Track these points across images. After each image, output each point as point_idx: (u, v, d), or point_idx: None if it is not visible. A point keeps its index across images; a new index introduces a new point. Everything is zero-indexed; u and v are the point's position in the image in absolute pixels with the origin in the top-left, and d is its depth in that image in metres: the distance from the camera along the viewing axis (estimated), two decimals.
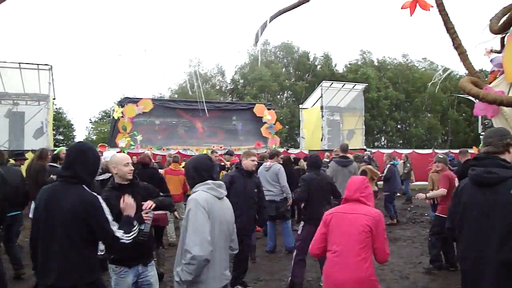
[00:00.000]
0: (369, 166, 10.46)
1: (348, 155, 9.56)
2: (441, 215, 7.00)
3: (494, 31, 3.56)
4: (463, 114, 44.16)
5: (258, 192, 6.23)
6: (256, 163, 6.25)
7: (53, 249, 2.97)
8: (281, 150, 18.07)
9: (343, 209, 3.69)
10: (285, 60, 47.60)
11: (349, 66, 46.62)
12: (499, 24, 3.57)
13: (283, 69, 44.63)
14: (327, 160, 12.42)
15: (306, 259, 6.39)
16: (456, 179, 7.11)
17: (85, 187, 3.09)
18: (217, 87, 46.61)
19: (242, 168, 6.22)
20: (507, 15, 3.40)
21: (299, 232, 6.54)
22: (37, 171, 7.80)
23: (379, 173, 11.20)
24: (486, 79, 4.45)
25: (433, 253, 7.12)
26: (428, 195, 7.30)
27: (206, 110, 16.78)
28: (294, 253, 6.43)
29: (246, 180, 6.08)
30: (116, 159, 3.99)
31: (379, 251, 3.53)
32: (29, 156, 12.52)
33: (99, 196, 3.12)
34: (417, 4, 4.34)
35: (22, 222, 7.35)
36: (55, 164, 8.33)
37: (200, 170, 3.30)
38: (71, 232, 2.96)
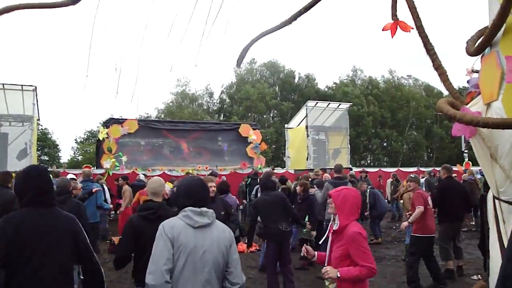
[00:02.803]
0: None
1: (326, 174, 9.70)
2: (416, 234, 7.17)
3: (470, 53, 3.63)
4: (447, 131, 44.76)
5: (226, 214, 6.01)
6: (214, 188, 6.04)
7: (46, 275, 2.95)
8: (266, 169, 18.11)
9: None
10: (271, 80, 47.96)
11: (333, 85, 47.25)
12: (475, 46, 3.64)
13: (270, 89, 44.90)
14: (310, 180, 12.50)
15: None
16: (429, 197, 7.36)
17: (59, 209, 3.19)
18: (205, 107, 46.72)
19: None
20: (482, 37, 3.48)
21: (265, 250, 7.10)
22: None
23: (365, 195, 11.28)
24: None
25: (409, 274, 7.10)
26: (409, 220, 7.28)
27: None
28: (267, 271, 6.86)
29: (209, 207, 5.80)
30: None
31: None
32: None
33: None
34: (398, 26, 4.43)
35: None
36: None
37: (183, 195, 3.14)
38: (64, 255, 3.04)
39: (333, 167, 9.86)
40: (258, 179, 13.02)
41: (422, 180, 16.32)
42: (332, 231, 3.73)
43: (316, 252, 3.87)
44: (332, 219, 3.79)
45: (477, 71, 4.21)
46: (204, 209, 3.06)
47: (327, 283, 3.51)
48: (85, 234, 3.23)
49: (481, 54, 3.67)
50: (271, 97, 43.49)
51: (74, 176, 9.42)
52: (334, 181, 8.73)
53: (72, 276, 3.27)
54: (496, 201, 3.37)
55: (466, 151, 22.70)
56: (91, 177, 9.85)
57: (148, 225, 3.70)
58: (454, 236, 8.20)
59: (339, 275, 3.40)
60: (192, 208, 3.01)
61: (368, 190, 11.74)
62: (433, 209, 7.53)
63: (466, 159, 21.41)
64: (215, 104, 48.01)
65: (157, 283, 2.75)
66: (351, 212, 3.64)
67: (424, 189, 13.01)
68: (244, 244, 10.86)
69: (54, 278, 2.98)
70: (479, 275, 7.46)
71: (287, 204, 6.86)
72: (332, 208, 3.71)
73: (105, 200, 10.48)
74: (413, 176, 8.02)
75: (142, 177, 13.99)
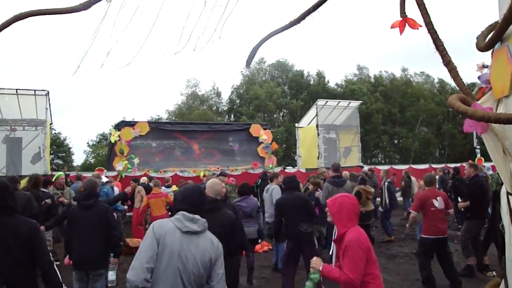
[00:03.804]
0: (362, 186, 10.48)
1: (346, 172, 9.72)
2: (423, 236, 7.17)
3: (480, 48, 3.62)
4: (458, 128, 44.37)
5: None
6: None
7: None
8: (278, 169, 18.11)
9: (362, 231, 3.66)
10: (280, 79, 47.96)
11: (341, 83, 47.21)
12: (485, 41, 3.63)
13: (279, 88, 44.89)
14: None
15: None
16: (438, 198, 7.09)
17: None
18: (214, 108, 46.86)
19: None
20: (492, 33, 3.47)
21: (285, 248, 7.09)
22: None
23: (373, 191, 11.23)
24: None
25: (423, 274, 7.03)
26: (407, 225, 7.71)
27: None
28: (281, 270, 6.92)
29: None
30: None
31: None
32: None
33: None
34: (406, 24, 4.41)
35: None
36: (45, 190, 8.40)
37: (179, 201, 3.21)
38: (16, 260, 3.30)
39: (346, 165, 9.86)
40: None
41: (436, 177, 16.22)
42: (333, 240, 3.73)
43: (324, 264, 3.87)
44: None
45: (487, 67, 4.20)
46: (197, 216, 3.07)
47: (311, 271, 3.55)
48: (43, 240, 3.56)
49: (492, 49, 3.66)
50: (279, 95, 43.45)
51: (107, 179, 9.53)
52: (333, 180, 8.71)
53: (32, 280, 3.47)
54: (510, 196, 3.37)
55: (478, 147, 22.50)
56: (102, 181, 9.91)
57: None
58: (479, 233, 8.14)
59: (321, 269, 3.47)
60: (184, 212, 3.05)
61: (385, 184, 11.70)
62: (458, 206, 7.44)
63: (479, 155, 21.23)
64: (225, 104, 48.15)
65: (136, 279, 2.77)
66: (349, 219, 3.59)
67: (437, 186, 12.89)
68: (263, 244, 10.95)
69: (9, 283, 3.24)
70: (494, 272, 7.41)
71: (308, 205, 6.83)
72: (329, 216, 3.71)
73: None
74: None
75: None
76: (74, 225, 5.46)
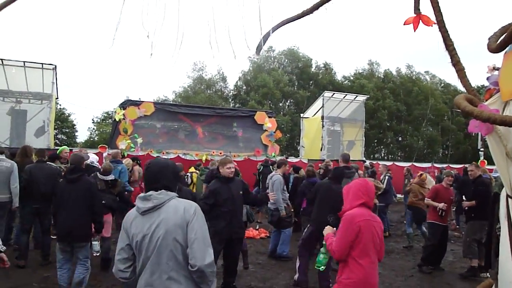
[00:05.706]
0: (372, 179, 10.54)
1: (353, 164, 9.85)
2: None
3: (492, 50, 3.59)
4: (463, 129, 44.15)
5: (245, 193, 6.24)
6: (233, 169, 6.17)
7: None
8: (280, 158, 18.10)
9: (368, 215, 3.78)
10: (289, 68, 47.67)
11: (349, 76, 46.95)
12: (497, 42, 3.61)
13: (286, 76, 44.65)
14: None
15: None
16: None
17: None
18: (219, 93, 46.71)
19: (221, 176, 6.09)
20: (505, 34, 3.45)
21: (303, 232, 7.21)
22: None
23: (382, 186, 11.23)
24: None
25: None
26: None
27: None
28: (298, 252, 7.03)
29: (228, 186, 5.99)
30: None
31: (382, 251, 3.85)
32: None
33: None
34: (420, 20, 4.39)
35: None
36: (52, 164, 8.50)
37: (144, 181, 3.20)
38: None
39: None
40: (271, 167, 12.98)
41: (429, 177, 16.17)
42: (339, 214, 3.95)
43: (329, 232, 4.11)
44: None
45: (498, 69, 4.18)
46: (150, 192, 2.95)
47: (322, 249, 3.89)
48: None
49: (504, 51, 3.64)
50: (286, 84, 43.22)
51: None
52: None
53: None
54: (510, 199, 3.37)
55: (482, 149, 22.42)
56: (119, 159, 9.89)
57: None
58: (482, 235, 8.06)
59: (325, 234, 3.94)
60: (141, 194, 3.01)
61: (386, 177, 11.78)
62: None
63: (482, 158, 21.16)
64: (230, 90, 47.93)
65: (116, 272, 2.98)
66: (355, 197, 3.82)
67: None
68: (253, 230, 11.02)
69: None
70: (487, 273, 7.44)
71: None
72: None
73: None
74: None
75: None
76: (60, 198, 5.70)
